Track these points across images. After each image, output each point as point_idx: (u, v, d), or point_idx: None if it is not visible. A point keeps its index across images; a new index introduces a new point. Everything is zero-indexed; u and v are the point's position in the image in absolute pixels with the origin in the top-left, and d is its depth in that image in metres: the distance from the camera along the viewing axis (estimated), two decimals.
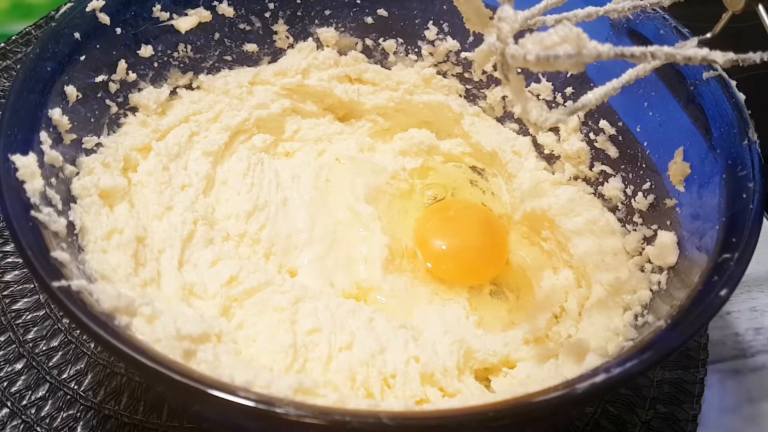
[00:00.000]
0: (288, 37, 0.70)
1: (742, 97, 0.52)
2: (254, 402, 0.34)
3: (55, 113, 0.52)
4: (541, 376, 0.50)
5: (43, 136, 0.50)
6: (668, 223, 0.55)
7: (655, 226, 0.57)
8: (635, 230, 0.59)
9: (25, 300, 0.65)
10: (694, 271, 0.47)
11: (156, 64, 0.64)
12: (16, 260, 0.67)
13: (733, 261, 0.43)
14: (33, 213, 0.44)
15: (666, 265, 0.53)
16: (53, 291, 0.39)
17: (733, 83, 0.53)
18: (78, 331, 0.63)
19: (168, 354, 0.42)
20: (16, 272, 0.66)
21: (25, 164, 0.46)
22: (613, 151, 0.63)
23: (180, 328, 0.45)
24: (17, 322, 0.63)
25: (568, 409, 0.44)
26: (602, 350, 0.50)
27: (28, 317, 0.63)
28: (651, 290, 0.53)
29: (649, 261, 0.55)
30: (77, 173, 0.54)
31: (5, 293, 0.65)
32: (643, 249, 0.57)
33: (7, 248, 0.68)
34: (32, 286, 0.65)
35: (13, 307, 0.64)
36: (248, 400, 0.34)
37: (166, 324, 0.45)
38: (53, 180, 0.49)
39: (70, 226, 0.49)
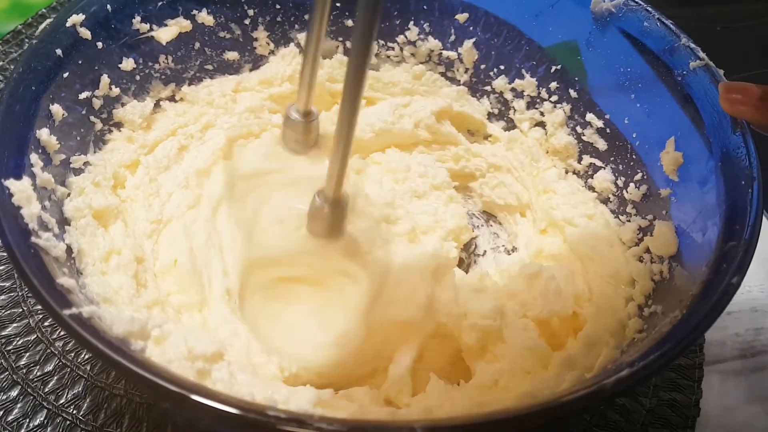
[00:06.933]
0: (269, 44, 0.69)
1: None
2: (289, 421, 0.34)
3: (43, 134, 0.50)
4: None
5: (34, 158, 0.49)
6: (664, 212, 0.56)
7: (650, 216, 0.58)
8: (629, 221, 0.60)
9: (15, 325, 0.62)
10: (697, 259, 0.48)
11: (138, 77, 0.62)
12: (1, 284, 0.65)
13: (740, 248, 0.43)
14: (33, 239, 0.43)
15: (666, 255, 0.53)
16: (65, 319, 0.38)
17: (721, 72, 0.54)
18: (83, 356, 0.60)
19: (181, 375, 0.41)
20: (3, 297, 0.64)
21: (20, 189, 0.45)
22: (601, 144, 0.64)
23: (192, 348, 0.44)
24: (8, 348, 0.61)
25: (598, 406, 0.45)
26: (610, 342, 0.51)
27: (19, 342, 0.61)
28: (653, 280, 0.54)
29: (648, 251, 0.56)
30: (68, 194, 0.52)
31: None
32: (640, 239, 0.58)
33: None
34: (20, 310, 0.63)
35: (2, 333, 0.62)
36: (284, 422, 0.34)
37: (177, 344, 0.44)
38: (47, 203, 0.48)
39: (68, 249, 0.48)
